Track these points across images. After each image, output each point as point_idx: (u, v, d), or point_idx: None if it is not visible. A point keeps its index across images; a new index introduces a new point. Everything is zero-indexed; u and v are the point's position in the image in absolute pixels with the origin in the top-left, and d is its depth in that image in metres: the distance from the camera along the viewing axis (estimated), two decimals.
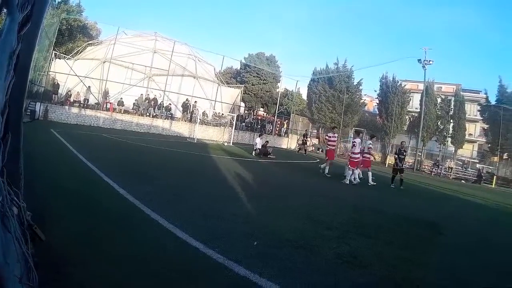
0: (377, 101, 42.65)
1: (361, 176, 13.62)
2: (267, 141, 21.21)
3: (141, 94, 26.45)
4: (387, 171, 18.38)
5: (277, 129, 37.01)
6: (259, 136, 20.74)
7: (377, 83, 40.20)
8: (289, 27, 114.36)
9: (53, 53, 25.23)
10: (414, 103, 42.93)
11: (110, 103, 24.71)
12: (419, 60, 34.51)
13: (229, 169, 11.76)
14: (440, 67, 70.34)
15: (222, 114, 30.51)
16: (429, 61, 34.26)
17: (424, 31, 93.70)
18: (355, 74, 39.35)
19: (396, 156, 14.56)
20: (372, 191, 12.10)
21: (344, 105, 36.97)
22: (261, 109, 46.58)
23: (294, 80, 40.80)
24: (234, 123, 27.35)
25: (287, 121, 39.68)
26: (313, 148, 35.33)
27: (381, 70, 55.42)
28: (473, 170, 35.90)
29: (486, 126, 38.95)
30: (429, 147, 39.04)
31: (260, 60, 44.43)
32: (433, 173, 33.57)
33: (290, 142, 36.88)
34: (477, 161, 40.25)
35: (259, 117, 39.44)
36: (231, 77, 45.78)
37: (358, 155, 13.25)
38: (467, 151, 42.86)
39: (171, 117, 27.60)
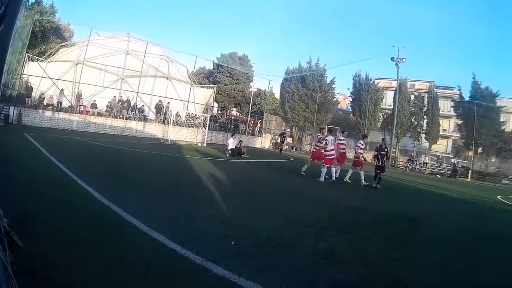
0: (351, 99, 44.31)
1: (336, 175, 13.81)
2: (241, 141, 21.99)
3: (114, 96, 27.06)
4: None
5: (251, 128, 38.15)
6: (232, 137, 21.28)
7: (350, 81, 41.83)
8: (262, 27, 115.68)
9: (26, 56, 25.61)
10: (388, 100, 44.70)
11: (84, 105, 25.30)
12: (392, 58, 35.75)
13: (203, 170, 11.96)
14: (414, 65, 72.98)
15: (195, 114, 31.23)
16: (402, 59, 35.42)
17: (397, 29, 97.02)
18: (328, 72, 40.81)
19: (377, 153, 14.11)
20: (349, 189, 12.61)
21: (317, 103, 38.31)
22: (234, 109, 47.62)
23: (267, 80, 42.06)
24: (208, 123, 28.10)
25: (260, 120, 40.93)
26: (287, 147, 36.68)
27: (354, 68, 57.30)
28: (448, 165, 37.83)
29: (460, 122, 40.65)
30: (403, 144, 40.78)
31: (233, 60, 45.50)
32: (408, 169, 35.06)
33: (263, 142, 38.12)
34: (452, 156, 42.67)
35: (232, 117, 40.51)
36: (204, 78, 46.76)
37: (332, 152, 13.35)
38: (442, 146, 44.70)
39: (145, 119, 28.29)
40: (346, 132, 18.33)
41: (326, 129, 15.69)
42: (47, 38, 33.96)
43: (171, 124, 26.01)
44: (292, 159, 24.51)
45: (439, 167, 37.77)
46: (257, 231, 5.27)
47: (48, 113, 23.17)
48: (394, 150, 38.06)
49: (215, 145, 26.63)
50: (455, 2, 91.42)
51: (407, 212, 9.35)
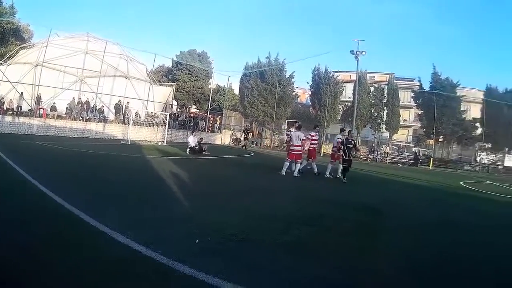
0: (310, 93, 44.91)
1: (300, 169, 13.95)
2: (201, 138, 22.55)
3: (73, 98, 27.48)
4: (323, 160, 18.48)
5: (210, 125, 39.35)
6: (192, 134, 21.65)
7: (310, 75, 42.74)
8: (221, 23, 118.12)
9: None
10: (347, 93, 46.16)
11: (43, 109, 25.58)
12: (351, 51, 36.39)
13: (164, 169, 12.07)
14: (374, 58, 76.83)
15: (155, 113, 31.94)
16: (362, 52, 36.07)
17: (357, 23, 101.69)
18: (287, 67, 41.79)
19: (344, 146, 14.00)
20: (312, 182, 12.86)
21: (277, 98, 39.22)
22: (194, 106, 48.53)
23: (226, 76, 42.99)
24: (167, 122, 28.78)
25: (220, 117, 42.02)
26: (247, 142, 38.08)
27: (314, 62, 58.79)
28: (409, 154, 39.46)
29: (420, 112, 42.45)
30: (364, 134, 41.82)
31: (192, 57, 46.32)
32: (369, 159, 36.15)
33: (223, 138, 39.29)
34: (413, 145, 44.32)
35: (192, 115, 41.56)
36: (163, 76, 47.45)
37: (298, 148, 13.50)
38: (403, 136, 46.54)
39: (104, 120, 28.75)
40: (318, 128, 18.98)
41: (296, 125, 15.24)
42: (6, 40, 33.81)
43: (130, 124, 26.70)
44: (252, 154, 25.50)
45: (401, 156, 39.26)
46: (223, 228, 5.40)
47: (8, 118, 23.38)
48: (355, 141, 39.72)
49: (176, 144, 27.09)
50: None
51: (372, 201, 9.74)
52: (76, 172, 9.97)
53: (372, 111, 42.18)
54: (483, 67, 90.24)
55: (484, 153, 37.98)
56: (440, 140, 40.82)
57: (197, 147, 19.95)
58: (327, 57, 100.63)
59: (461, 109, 40.87)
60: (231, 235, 5.07)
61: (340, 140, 14.35)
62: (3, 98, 24.71)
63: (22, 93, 25.57)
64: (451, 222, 8.02)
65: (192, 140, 20.30)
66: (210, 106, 40.38)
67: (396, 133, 43.88)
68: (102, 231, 4.68)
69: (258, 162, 19.34)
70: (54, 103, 26.51)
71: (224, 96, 45.06)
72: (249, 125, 40.07)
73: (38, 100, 26.14)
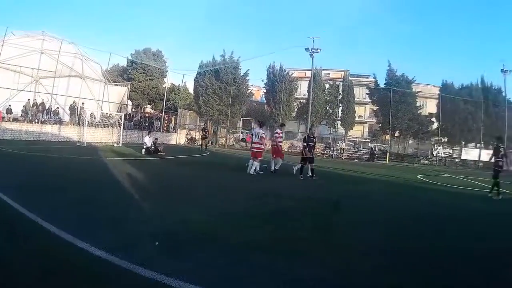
0: (265, 91, 46.68)
1: (277, 167, 14.46)
2: (156, 138, 22.71)
3: (28, 99, 27.28)
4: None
5: (165, 125, 40.10)
6: (148, 135, 21.66)
7: (265, 73, 44.19)
8: (176, 21, 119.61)
9: None
10: (302, 90, 47.83)
11: None
12: (306, 49, 37.03)
13: (121, 171, 12.01)
14: (329, 55, 79.91)
15: (110, 114, 32.04)
16: (317, 49, 36.81)
17: (312, 20, 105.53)
18: (242, 65, 43.03)
19: (305, 144, 14.01)
20: (273, 180, 13.07)
21: (231, 96, 40.36)
22: (149, 106, 49.12)
23: (180, 75, 43.94)
24: (122, 122, 29.22)
25: (174, 116, 42.88)
26: (206, 142, 38.16)
27: (269, 60, 59.39)
28: (365, 149, 40.78)
29: (376, 108, 43.98)
30: (320, 131, 42.27)
31: (146, 56, 46.84)
32: (325, 155, 36.98)
33: (179, 138, 40.33)
34: (369, 140, 46.11)
35: (147, 115, 42.16)
36: (118, 75, 47.51)
37: (259, 146, 13.96)
38: (358, 132, 49.02)
39: (60, 122, 28.69)
40: (285, 126, 19.30)
41: (258, 122, 15.66)
42: None
43: (86, 125, 26.74)
44: (208, 153, 26.08)
45: (357, 152, 40.58)
46: (184, 228, 5.50)
47: None
48: (316, 138, 40.08)
49: (131, 145, 27.33)
50: None
51: (333, 197, 10.16)
52: (33, 177, 9.86)
53: (327, 108, 43.98)
54: (439, 64, 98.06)
55: (441, 147, 40.00)
56: (396, 135, 42.64)
57: (152, 148, 20.19)
58: (283, 55, 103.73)
59: (417, 105, 42.86)
60: (194, 235, 5.20)
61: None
62: None
63: None
64: (411, 214, 8.46)
65: (148, 141, 20.46)
66: (165, 106, 41.08)
67: (352, 129, 45.66)
68: (60, 236, 4.64)
69: (214, 161, 19.94)
70: (9, 105, 26.32)
71: (178, 95, 45.84)
72: (207, 124, 40.31)
73: None
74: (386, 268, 4.47)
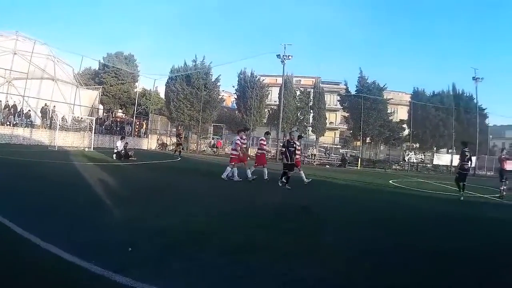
0: (236, 96, 47.04)
1: (265, 176, 14.39)
2: (127, 143, 22.37)
3: (0, 101, 27.43)
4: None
5: (137, 130, 40.45)
6: (121, 139, 21.63)
7: (236, 79, 44.86)
8: (148, 25, 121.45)
9: None
10: (273, 96, 48.65)
11: None
12: (278, 56, 37.54)
13: (92, 175, 12.02)
14: (301, 62, 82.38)
15: (81, 118, 31.81)
16: (288, 56, 37.28)
17: (285, 28, 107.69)
18: (213, 70, 43.52)
19: (284, 149, 13.82)
20: (248, 186, 13.09)
21: (203, 101, 40.72)
22: (120, 110, 49.29)
23: (152, 79, 44.90)
24: (94, 126, 29.25)
25: (146, 121, 43.37)
26: (181, 147, 38.56)
27: (240, 66, 60.23)
28: (337, 155, 41.24)
29: (347, 114, 45.02)
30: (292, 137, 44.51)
31: (118, 60, 47.34)
32: None
33: (150, 143, 40.74)
34: (340, 146, 46.40)
35: (118, 119, 42.30)
36: (90, 79, 47.71)
37: (235, 152, 14.28)
38: (329, 138, 49.49)
39: (31, 125, 28.69)
40: (269, 135, 19.49)
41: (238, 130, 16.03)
42: None
43: (57, 129, 27.02)
44: (179, 158, 26.06)
45: (328, 157, 40.98)
46: (160, 234, 5.50)
47: None
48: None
49: (102, 149, 27.63)
50: (342, 3, 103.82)
51: (308, 203, 10.37)
52: (4, 185, 9.31)
53: (298, 114, 45.14)
54: (410, 72, 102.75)
55: (412, 153, 40.90)
56: (367, 141, 43.77)
57: (123, 152, 20.33)
58: (254, 61, 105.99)
59: (388, 111, 44.24)
60: (170, 241, 5.21)
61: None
62: None
63: None
64: (381, 217, 8.71)
65: (120, 145, 20.64)
66: (136, 110, 41.62)
67: (323, 135, 46.90)
68: (35, 243, 4.57)
69: (186, 167, 20.04)
70: None
71: (150, 100, 46.51)
72: (181, 130, 39.75)
73: None
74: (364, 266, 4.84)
